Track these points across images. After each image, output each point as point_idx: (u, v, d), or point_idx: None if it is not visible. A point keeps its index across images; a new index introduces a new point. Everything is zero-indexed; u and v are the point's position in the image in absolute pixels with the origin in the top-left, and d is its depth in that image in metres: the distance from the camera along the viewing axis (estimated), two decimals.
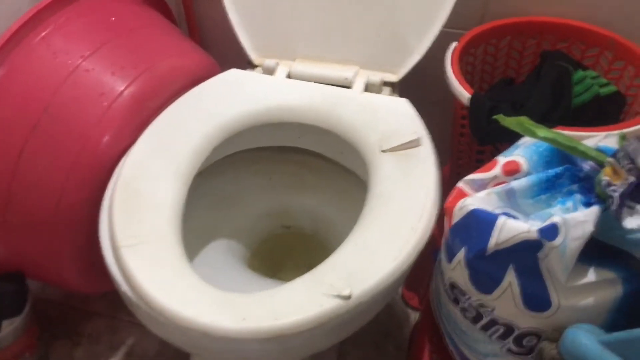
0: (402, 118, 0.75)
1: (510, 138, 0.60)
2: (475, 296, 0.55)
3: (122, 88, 0.73)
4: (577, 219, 0.47)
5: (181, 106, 0.77)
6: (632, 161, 0.47)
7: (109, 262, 0.60)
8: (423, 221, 0.62)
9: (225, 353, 0.59)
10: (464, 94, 0.72)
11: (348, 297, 0.54)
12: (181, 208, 0.66)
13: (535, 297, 0.50)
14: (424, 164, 0.69)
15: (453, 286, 0.58)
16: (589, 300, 0.49)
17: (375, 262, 0.58)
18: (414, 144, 0.71)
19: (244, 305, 0.54)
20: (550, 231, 0.47)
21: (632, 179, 0.47)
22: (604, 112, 0.72)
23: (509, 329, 0.54)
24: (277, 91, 0.80)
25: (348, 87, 0.82)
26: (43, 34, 0.73)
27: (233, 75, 0.83)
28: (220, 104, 0.77)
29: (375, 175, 0.69)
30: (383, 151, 0.70)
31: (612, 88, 0.74)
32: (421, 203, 0.64)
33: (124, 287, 0.58)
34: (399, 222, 0.62)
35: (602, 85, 0.73)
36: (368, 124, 0.74)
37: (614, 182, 0.47)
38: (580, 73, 0.73)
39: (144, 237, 0.60)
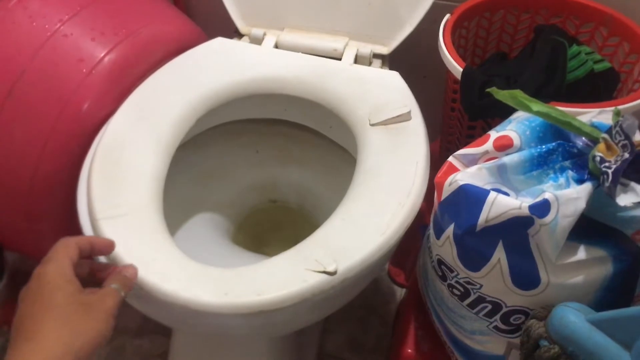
0: (392, 91, 0.73)
1: (501, 114, 0.59)
2: (463, 273, 0.54)
3: (102, 54, 0.70)
4: (569, 196, 0.46)
5: (164, 75, 0.74)
6: (627, 137, 0.46)
7: (87, 235, 0.59)
8: (411, 197, 0.61)
9: (208, 327, 0.57)
10: (456, 67, 0.70)
11: (333, 273, 0.53)
12: (162, 180, 0.64)
13: (524, 274, 0.50)
14: (414, 138, 0.68)
15: (441, 262, 0.57)
16: (578, 279, 0.49)
17: (362, 238, 0.57)
18: (403, 117, 0.69)
19: (226, 280, 0.53)
20: (542, 208, 0.46)
21: (626, 155, 0.45)
22: (597, 88, 0.71)
23: (496, 307, 0.53)
24: (264, 62, 0.78)
25: (337, 59, 0.79)
26: None
27: (219, 44, 0.80)
28: (205, 74, 0.75)
29: (364, 149, 0.67)
30: (372, 125, 0.69)
31: (606, 64, 0.72)
32: (410, 178, 0.63)
33: (102, 260, 0.56)
34: (386, 197, 0.61)
35: (596, 62, 0.72)
36: (357, 96, 0.72)
37: (608, 159, 0.46)
38: (575, 48, 0.71)
39: (123, 208, 0.58)
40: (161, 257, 0.55)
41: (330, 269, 0.53)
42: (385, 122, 0.69)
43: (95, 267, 0.52)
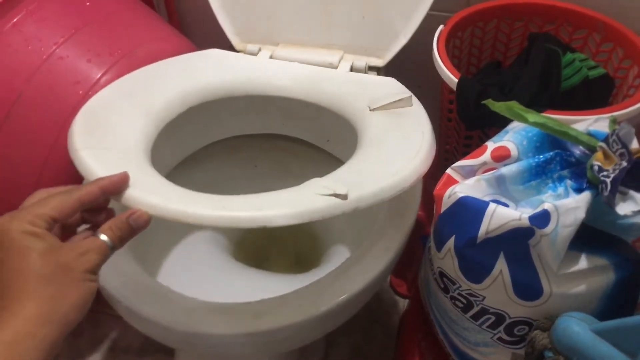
0: (391, 88, 0.72)
1: (498, 123, 0.59)
2: (465, 285, 0.54)
3: (98, 76, 0.71)
4: (569, 206, 0.46)
5: (157, 67, 0.74)
6: (624, 145, 0.46)
7: None
8: (421, 153, 0.58)
9: (209, 348, 0.57)
10: (451, 78, 0.70)
11: (344, 197, 0.50)
12: (149, 148, 0.61)
13: (527, 285, 0.49)
14: (417, 118, 0.65)
15: (442, 275, 0.57)
16: (580, 288, 0.49)
17: (374, 176, 0.55)
18: (405, 102, 0.67)
19: (224, 198, 0.50)
20: (542, 218, 0.46)
21: (624, 163, 0.45)
22: (592, 95, 0.71)
23: (499, 318, 0.53)
24: (260, 67, 0.77)
25: None
26: (15, 20, 0.70)
27: (214, 52, 0.80)
28: (199, 70, 0.74)
29: (365, 130, 0.65)
30: (372, 110, 0.67)
31: (600, 70, 0.72)
32: (417, 143, 0.60)
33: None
34: (395, 154, 0.59)
35: (590, 68, 0.72)
36: (355, 93, 0.71)
37: (606, 167, 0.46)
38: (569, 56, 0.71)
39: (107, 144, 0.54)
40: (151, 181, 0.51)
41: (341, 192, 0.50)
42: (385, 107, 0.66)
43: (89, 212, 0.46)
